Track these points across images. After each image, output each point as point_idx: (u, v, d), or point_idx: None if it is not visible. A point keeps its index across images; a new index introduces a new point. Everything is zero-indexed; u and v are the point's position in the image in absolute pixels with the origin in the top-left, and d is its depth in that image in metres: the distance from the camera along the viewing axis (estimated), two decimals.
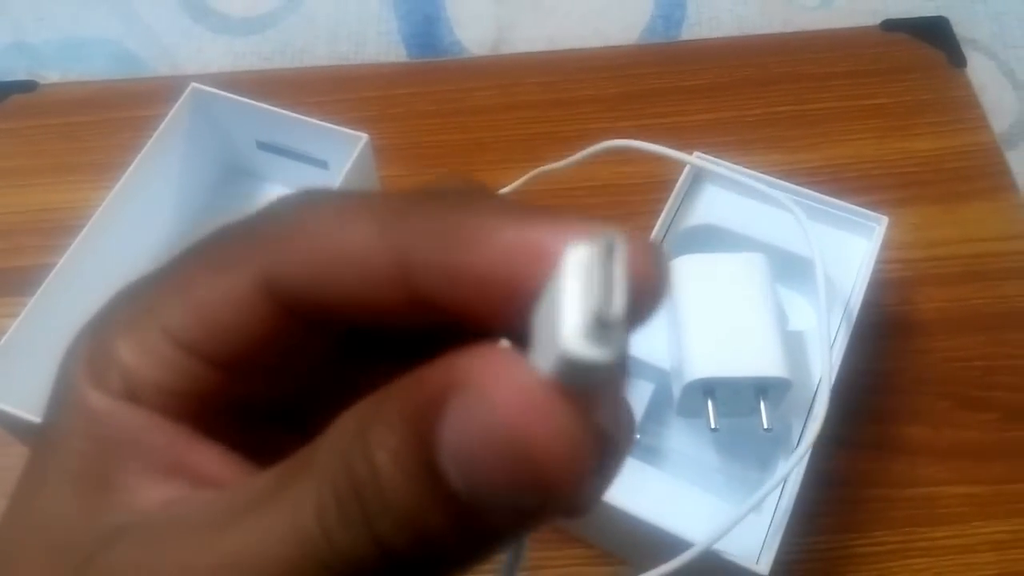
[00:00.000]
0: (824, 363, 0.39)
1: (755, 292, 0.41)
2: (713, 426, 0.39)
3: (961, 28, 0.62)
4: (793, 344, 0.40)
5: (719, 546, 0.36)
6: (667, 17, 0.64)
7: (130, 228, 0.47)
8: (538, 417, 0.12)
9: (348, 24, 0.64)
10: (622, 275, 0.12)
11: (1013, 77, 0.60)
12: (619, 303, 0.12)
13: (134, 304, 0.16)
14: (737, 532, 0.36)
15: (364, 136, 0.47)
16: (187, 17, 0.65)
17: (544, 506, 0.12)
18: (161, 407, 0.15)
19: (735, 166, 0.46)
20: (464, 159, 0.56)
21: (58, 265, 0.44)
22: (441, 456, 0.12)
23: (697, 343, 0.39)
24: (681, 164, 0.46)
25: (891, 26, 0.62)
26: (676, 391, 0.40)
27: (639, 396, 0.43)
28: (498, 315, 0.14)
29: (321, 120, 0.48)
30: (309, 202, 0.15)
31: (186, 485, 0.15)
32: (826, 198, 0.45)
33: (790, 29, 0.62)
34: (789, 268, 0.44)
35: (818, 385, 0.41)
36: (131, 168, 0.47)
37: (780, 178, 0.45)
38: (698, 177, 0.47)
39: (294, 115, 0.48)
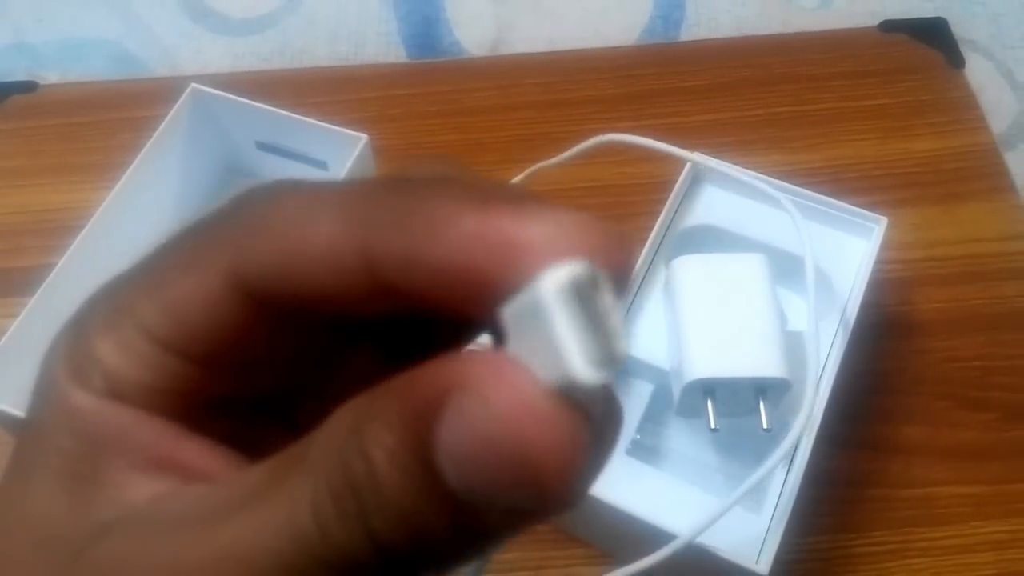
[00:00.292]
0: (813, 360, 0.39)
1: (755, 293, 0.41)
2: (713, 426, 0.39)
3: (959, 29, 0.62)
4: (793, 344, 0.40)
5: (719, 546, 0.36)
6: (666, 18, 0.64)
7: (130, 228, 0.47)
8: (540, 424, 0.12)
9: (348, 25, 0.64)
10: (612, 303, 0.13)
11: (1011, 78, 0.60)
12: (621, 334, 0.13)
13: (112, 302, 0.15)
14: (737, 532, 0.36)
15: (364, 137, 0.47)
16: (187, 18, 0.65)
17: (539, 507, 0.12)
18: (145, 404, 0.15)
19: (732, 165, 0.46)
20: (463, 160, 0.56)
21: (58, 265, 0.44)
22: (439, 455, 0.12)
23: (697, 343, 0.40)
24: (681, 165, 0.46)
25: (890, 27, 0.62)
26: (676, 391, 0.40)
27: (639, 396, 0.43)
28: (461, 303, 0.14)
29: (321, 121, 0.48)
30: (277, 193, 0.15)
31: (175, 480, 0.15)
32: (825, 198, 0.45)
33: (789, 30, 0.63)
34: (789, 269, 0.44)
35: (807, 381, 0.40)
36: (131, 169, 0.47)
37: (779, 179, 0.45)
38: (697, 177, 0.47)
39: (294, 116, 0.48)
